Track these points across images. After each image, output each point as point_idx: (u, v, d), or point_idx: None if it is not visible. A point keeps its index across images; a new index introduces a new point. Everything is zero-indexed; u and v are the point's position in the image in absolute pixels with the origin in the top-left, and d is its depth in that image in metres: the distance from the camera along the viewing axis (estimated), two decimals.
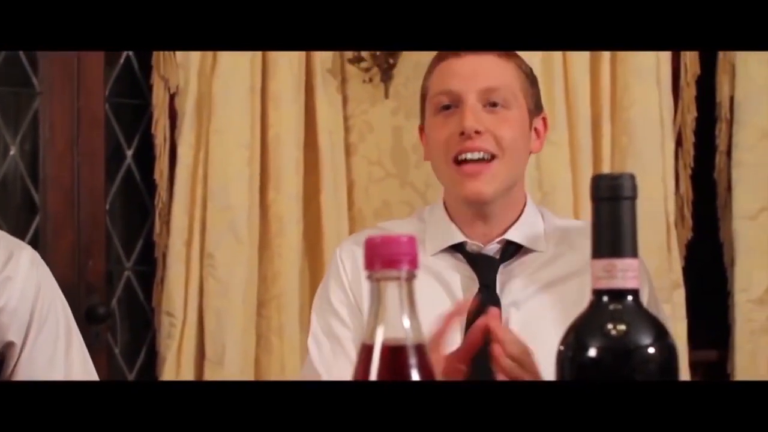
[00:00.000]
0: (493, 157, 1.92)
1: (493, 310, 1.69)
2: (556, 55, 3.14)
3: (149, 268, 3.26)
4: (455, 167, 1.93)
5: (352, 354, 1.89)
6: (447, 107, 1.96)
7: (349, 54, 3.26)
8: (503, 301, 1.94)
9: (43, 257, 2.03)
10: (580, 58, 3.15)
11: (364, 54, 3.25)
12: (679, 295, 3.14)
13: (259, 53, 3.17)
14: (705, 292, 3.22)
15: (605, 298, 1.16)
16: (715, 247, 3.23)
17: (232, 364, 3.10)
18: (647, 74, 3.16)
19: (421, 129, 2.05)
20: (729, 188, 3.19)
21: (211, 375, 3.11)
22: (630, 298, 1.16)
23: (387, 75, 3.27)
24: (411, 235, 1.08)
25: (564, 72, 3.15)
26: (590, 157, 3.16)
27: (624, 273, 1.15)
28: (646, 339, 1.15)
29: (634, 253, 1.16)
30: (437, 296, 1.95)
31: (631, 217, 1.16)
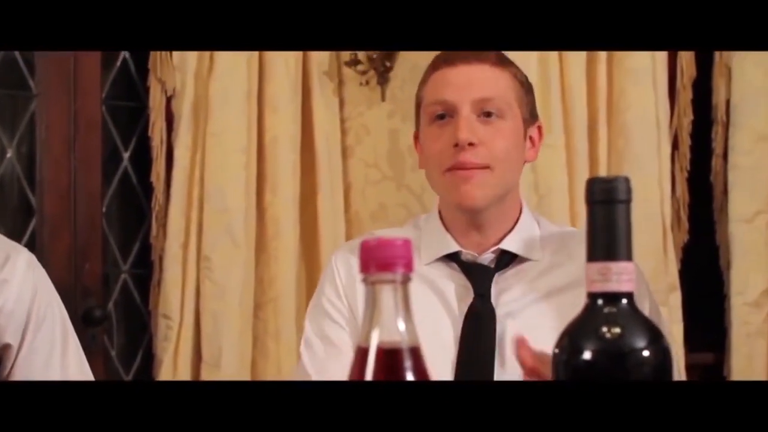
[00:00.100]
0: (486, 167, 1.92)
1: (519, 338, 1.64)
2: (553, 58, 3.14)
3: (146, 270, 3.25)
4: (449, 173, 1.93)
5: (346, 356, 1.89)
6: (441, 117, 1.95)
7: (345, 57, 3.27)
8: (498, 311, 1.93)
9: (40, 260, 2.03)
10: (577, 61, 3.15)
11: (361, 57, 3.25)
12: (676, 298, 3.14)
13: (255, 56, 3.17)
14: (701, 295, 3.22)
15: (600, 301, 1.16)
16: (712, 250, 3.23)
17: (228, 367, 3.10)
18: (643, 77, 3.16)
19: (416, 136, 2.04)
20: (725, 191, 3.19)
21: (207, 377, 3.11)
22: (625, 301, 1.16)
23: (384, 78, 3.27)
24: (406, 237, 1.08)
25: (560, 75, 3.15)
26: (586, 160, 3.16)
27: (619, 276, 1.15)
28: (640, 342, 1.15)
29: (628, 257, 1.16)
30: (431, 305, 1.95)
31: (626, 221, 1.16)
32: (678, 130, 3.23)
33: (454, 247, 1.98)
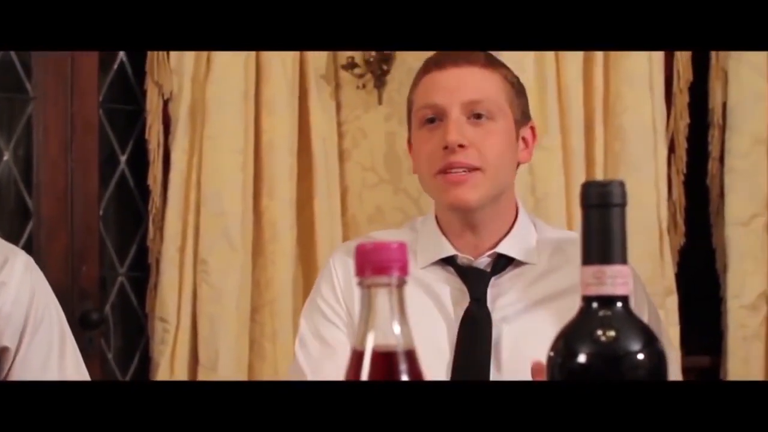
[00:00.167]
0: (476, 169, 1.91)
1: (536, 363, 1.63)
2: (549, 61, 3.14)
3: (143, 273, 3.26)
4: (440, 176, 1.92)
5: (341, 356, 1.88)
6: (431, 120, 1.95)
7: (342, 60, 3.27)
8: (494, 316, 1.93)
9: (37, 262, 2.03)
10: (573, 64, 3.16)
11: (358, 60, 3.26)
12: (672, 302, 3.14)
13: (252, 60, 3.18)
14: (698, 298, 3.22)
15: (594, 305, 1.16)
16: (708, 253, 3.23)
17: (225, 370, 3.10)
18: (640, 80, 3.16)
19: (410, 141, 2.05)
20: (721, 194, 3.19)
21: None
22: (619, 304, 1.16)
23: (380, 81, 3.27)
24: (401, 241, 1.08)
25: (557, 78, 3.15)
26: (583, 163, 3.16)
27: (613, 279, 1.16)
28: (635, 345, 1.15)
29: (623, 260, 1.16)
30: (427, 309, 1.95)
31: (621, 224, 1.17)
32: (674, 133, 3.23)
33: (450, 251, 1.97)
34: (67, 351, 2.01)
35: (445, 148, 1.90)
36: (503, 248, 1.97)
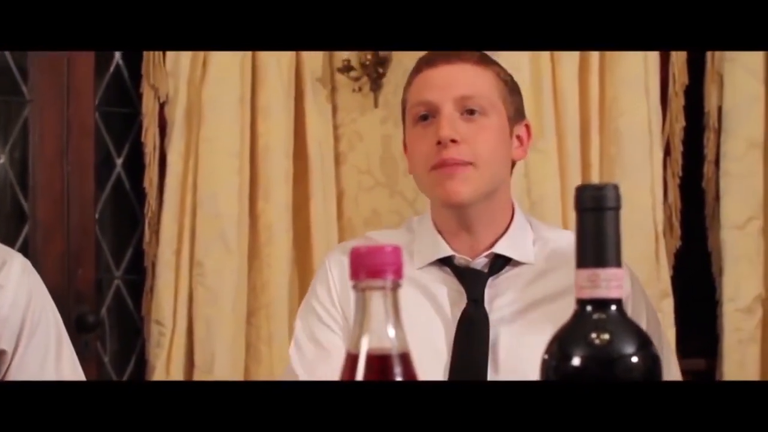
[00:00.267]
0: (469, 164, 1.92)
1: None
2: (545, 64, 3.14)
3: (139, 276, 3.26)
4: (433, 171, 1.92)
5: (335, 359, 1.88)
6: (425, 117, 1.95)
7: (338, 63, 3.27)
8: (492, 316, 1.92)
9: (33, 265, 2.03)
10: (569, 67, 3.16)
11: (354, 63, 3.26)
12: (668, 304, 3.14)
13: (248, 62, 3.18)
14: (693, 301, 3.23)
15: (589, 308, 1.16)
16: (704, 256, 3.24)
17: (221, 373, 3.10)
18: (636, 84, 3.16)
19: (405, 143, 2.05)
20: (717, 197, 3.19)
21: None
22: (614, 307, 1.16)
23: (376, 84, 3.28)
24: (396, 245, 1.09)
25: (552, 81, 3.16)
26: (579, 166, 3.17)
27: (608, 282, 1.16)
28: (629, 348, 1.15)
29: (617, 263, 1.17)
30: (424, 310, 1.94)
31: (615, 228, 1.17)
32: (670, 136, 3.24)
33: (447, 252, 1.97)
34: (63, 354, 2.01)
35: (438, 143, 1.91)
36: (500, 248, 1.96)
